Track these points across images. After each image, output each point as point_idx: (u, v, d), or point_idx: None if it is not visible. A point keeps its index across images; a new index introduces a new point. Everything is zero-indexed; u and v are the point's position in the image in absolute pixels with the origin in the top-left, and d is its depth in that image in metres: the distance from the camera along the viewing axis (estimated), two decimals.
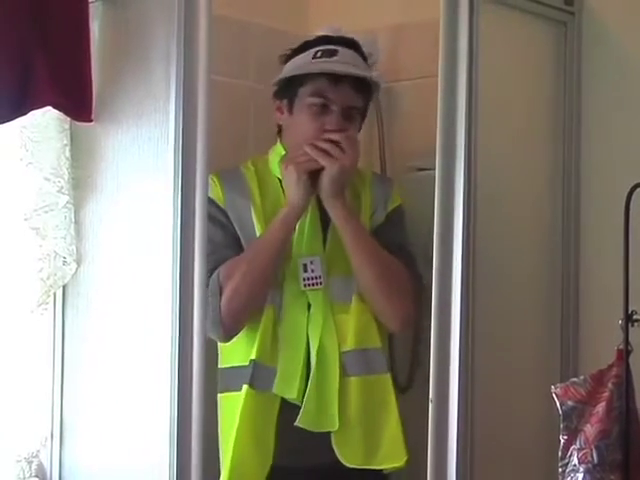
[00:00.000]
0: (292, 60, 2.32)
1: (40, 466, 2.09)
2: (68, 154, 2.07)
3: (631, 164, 2.25)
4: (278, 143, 2.34)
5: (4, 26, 1.90)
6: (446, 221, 2.04)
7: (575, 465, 1.93)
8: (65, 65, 1.98)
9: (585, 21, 2.33)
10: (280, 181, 2.28)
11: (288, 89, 2.29)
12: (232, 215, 2.26)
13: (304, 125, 2.26)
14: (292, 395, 2.20)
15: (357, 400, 2.22)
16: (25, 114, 1.97)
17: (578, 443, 1.93)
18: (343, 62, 2.27)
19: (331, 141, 2.21)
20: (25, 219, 2.03)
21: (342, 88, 2.25)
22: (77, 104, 2.02)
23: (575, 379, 1.99)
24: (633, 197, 1.98)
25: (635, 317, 1.96)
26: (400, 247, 2.31)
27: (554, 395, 1.97)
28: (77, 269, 2.08)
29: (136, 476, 1.97)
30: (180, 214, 1.88)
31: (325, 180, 2.21)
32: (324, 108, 2.25)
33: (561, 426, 1.97)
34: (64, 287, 2.10)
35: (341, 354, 2.22)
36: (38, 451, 2.08)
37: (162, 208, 1.90)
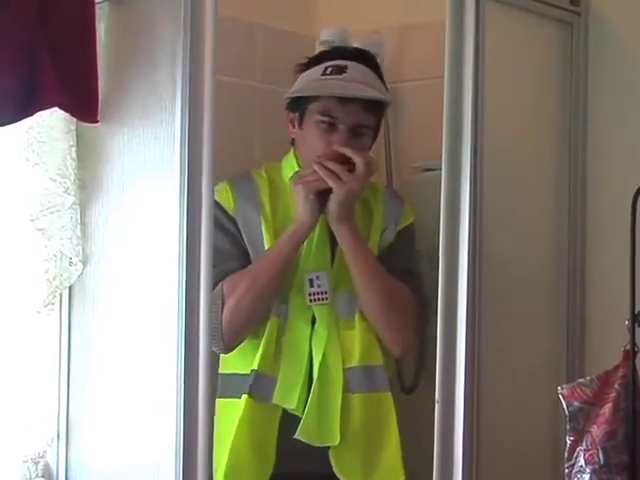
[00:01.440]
0: (305, 73, 2.30)
1: (46, 467, 2.10)
2: (74, 155, 2.07)
3: (638, 165, 2.25)
4: (292, 153, 2.33)
5: (11, 28, 1.90)
6: (452, 221, 2.04)
7: (582, 466, 1.93)
8: (71, 66, 1.98)
9: (591, 21, 2.33)
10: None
11: (299, 104, 2.28)
12: (241, 224, 2.25)
13: (313, 141, 2.25)
14: (291, 405, 2.19)
15: (358, 417, 2.22)
16: (31, 115, 1.97)
17: (584, 444, 1.93)
18: (352, 80, 2.24)
19: (341, 161, 2.19)
20: (31, 220, 2.03)
21: (351, 107, 2.23)
22: (83, 105, 2.02)
23: (581, 380, 1.99)
24: None
25: None
26: (408, 270, 2.29)
27: (560, 396, 1.97)
28: (83, 270, 2.08)
29: (142, 477, 1.97)
30: (186, 214, 1.87)
31: (332, 204, 2.20)
32: (332, 126, 2.24)
33: (567, 427, 1.96)
34: (70, 288, 2.10)
35: (345, 370, 2.22)
36: (44, 452, 2.09)
37: (168, 208, 1.90)
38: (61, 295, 2.09)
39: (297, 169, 2.28)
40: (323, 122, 2.24)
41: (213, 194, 1.92)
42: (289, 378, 2.21)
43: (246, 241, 2.25)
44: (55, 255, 2.05)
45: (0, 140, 2.01)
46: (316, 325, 2.23)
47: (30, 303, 2.04)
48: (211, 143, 1.89)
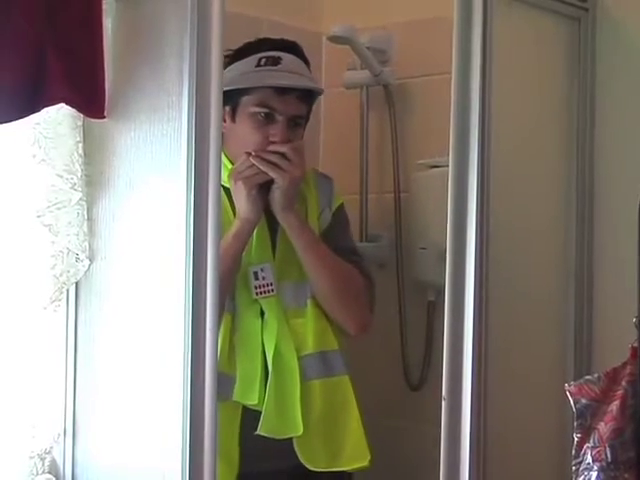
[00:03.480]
0: (234, 65, 2.27)
1: (53, 462, 2.09)
2: (81, 151, 2.06)
3: None
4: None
5: (18, 24, 1.90)
6: (459, 218, 2.03)
7: (589, 463, 1.92)
8: (78, 62, 1.98)
9: (599, 17, 2.32)
10: (226, 190, 2.21)
11: (230, 96, 2.23)
12: None
13: (248, 135, 2.23)
14: (253, 401, 2.18)
15: (318, 403, 2.22)
16: (38, 111, 1.96)
17: (592, 441, 1.93)
18: (288, 71, 2.24)
19: (278, 153, 2.19)
20: (38, 216, 2.03)
21: (287, 98, 2.23)
22: (90, 101, 2.02)
23: (589, 377, 1.99)
24: None
25: None
26: (351, 250, 2.32)
27: (568, 393, 1.97)
28: (90, 266, 2.08)
29: (149, 473, 1.97)
30: (193, 210, 1.87)
31: (277, 194, 2.20)
32: (268, 118, 2.23)
33: (575, 424, 1.96)
34: (77, 284, 2.10)
35: (299, 358, 2.21)
36: (51, 447, 2.08)
37: (175, 204, 1.90)
38: (68, 291, 2.09)
39: (230, 166, 2.25)
40: (259, 114, 2.23)
41: (220, 189, 1.92)
42: (246, 375, 2.20)
43: None
44: (62, 251, 2.05)
45: (7, 136, 2.01)
46: (265, 318, 2.23)
47: (37, 299, 2.04)
48: (218, 139, 1.89)
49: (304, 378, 2.21)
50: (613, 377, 1.96)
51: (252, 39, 2.30)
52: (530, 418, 2.19)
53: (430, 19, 2.59)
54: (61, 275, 2.05)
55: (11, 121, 1.93)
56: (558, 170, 2.31)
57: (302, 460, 2.20)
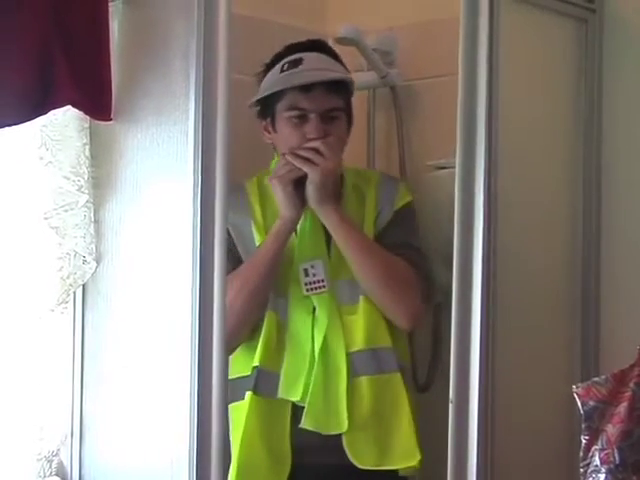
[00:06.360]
0: (266, 77, 2.33)
1: (60, 464, 2.10)
2: (88, 153, 2.07)
3: None
4: (276, 157, 2.35)
5: (24, 26, 1.91)
6: (466, 219, 2.03)
7: (597, 465, 1.92)
8: (85, 64, 1.99)
9: (606, 18, 2.31)
10: None
11: (267, 108, 2.30)
12: (234, 232, 2.26)
13: (288, 139, 2.27)
14: (296, 397, 2.20)
15: (368, 400, 2.21)
16: (45, 113, 1.97)
17: (600, 443, 1.92)
18: (309, 69, 2.26)
19: (311, 148, 2.22)
20: (45, 218, 2.03)
21: (314, 95, 2.25)
22: (97, 103, 2.02)
23: (596, 379, 1.98)
24: None
25: None
26: (406, 244, 2.30)
27: (575, 395, 1.96)
28: (97, 268, 2.08)
29: (156, 474, 1.97)
30: (200, 212, 1.87)
31: (310, 188, 2.22)
32: (302, 118, 2.25)
33: (582, 426, 1.95)
34: (84, 286, 2.10)
35: (349, 354, 2.21)
36: (58, 449, 2.09)
37: (182, 206, 1.90)
38: (75, 293, 2.09)
39: None
40: (293, 117, 2.26)
41: (227, 191, 1.92)
42: (292, 371, 2.21)
43: (239, 247, 2.27)
44: (69, 253, 2.05)
45: (14, 138, 2.01)
46: (316, 314, 2.23)
47: (44, 302, 2.05)
48: (225, 141, 1.89)
49: (352, 374, 2.21)
50: (621, 379, 1.96)
51: (281, 48, 2.34)
52: (538, 420, 2.18)
53: (436, 20, 2.58)
54: (68, 277, 2.05)
55: (18, 124, 1.93)
56: (565, 172, 2.31)
57: (350, 457, 2.20)
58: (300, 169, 2.22)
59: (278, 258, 2.23)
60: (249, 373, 2.22)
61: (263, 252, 2.23)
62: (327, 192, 2.23)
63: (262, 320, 2.24)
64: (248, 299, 2.20)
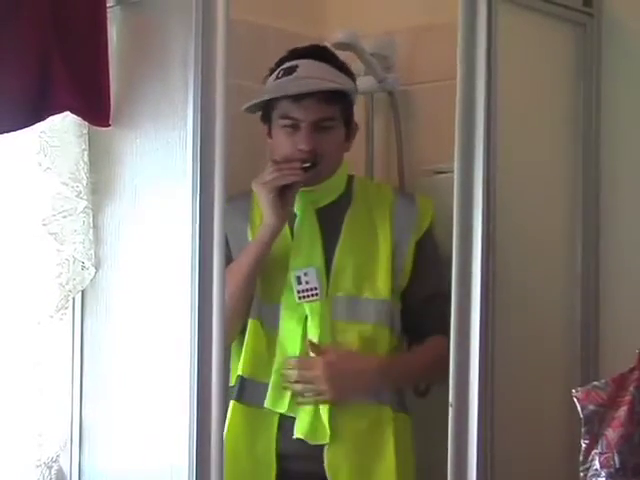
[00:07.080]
0: (267, 82, 2.31)
1: (60, 471, 2.09)
2: (86, 159, 2.07)
3: None
4: None
5: (23, 32, 1.91)
6: (465, 223, 2.03)
7: (597, 469, 1.91)
8: (83, 70, 1.99)
9: (604, 22, 2.31)
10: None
11: (266, 113, 2.30)
12: (231, 238, 2.23)
13: (281, 147, 2.26)
14: (282, 409, 2.18)
15: (351, 419, 2.19)
16: (44, 119, 1.97)
17: (600, 447, 1.92)
18: (303, 77, 2.23)
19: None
20: (43, 224, 2.03)
21: (306, 104, 2.22)
22: (95, 109, 2.02)
23: (596, 383, 1.98)
24: None
25: None
26: (436, 294, 2.24)
27: (575, 399, 1.96)
28: (96, 274, 2.08)
29: None
30: (199, 218, 1.87)
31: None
32: (295, 127, 2.24)
33: (582, 430, 1.95)
34: (83, 292, 2.10)
35: None
36: (58, 456, 2.08)
37: (180, 212, 1.90)
38: (74, 299, 2.09)
39: None
40: (286, 125, 2.24)
41: (225, 196, 1.92)
42: (280, 380, 2.19)
43: (233, 252, 2.24)
44: (67, 259, 2.05)
45: (12, 144, 2.01)
46: (308, 323, 2.21)
47: (43, 308, 2.04)
48: (223, 146, 1.89)
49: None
50: (620, 383, 1.95)
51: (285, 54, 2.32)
52: (537, 424, 2.18)
53: (434, 25, 2.58)
54: (67, 283, 2.05)
55: (17, 130, 1.93)
56: (564, 177, 2.31)
57: (325, 467, 2.18)
58: (286, 177, 2.19)
59: (259, 263, 2.21)
60: (232, 384, 2.21)
61: (244, 258, 2.21)
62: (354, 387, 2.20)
63: (245, 329, 2.22)
64: (229, 304, 2.15)
